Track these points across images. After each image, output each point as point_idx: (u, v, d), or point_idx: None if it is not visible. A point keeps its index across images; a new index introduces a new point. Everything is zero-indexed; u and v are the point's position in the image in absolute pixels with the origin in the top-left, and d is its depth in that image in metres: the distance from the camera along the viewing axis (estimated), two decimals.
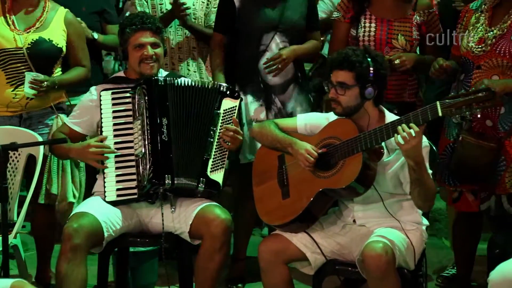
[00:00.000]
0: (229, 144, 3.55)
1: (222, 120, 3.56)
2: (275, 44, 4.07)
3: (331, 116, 3.44)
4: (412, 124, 3.06)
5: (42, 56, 3.89)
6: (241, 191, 4.23)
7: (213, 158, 3.52)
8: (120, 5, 5.63)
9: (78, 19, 4.28)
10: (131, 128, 3.55)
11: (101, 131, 3.57)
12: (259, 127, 3.57)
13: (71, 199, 4.00)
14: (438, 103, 3.09)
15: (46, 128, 3.95)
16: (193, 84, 3.60)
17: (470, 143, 3.61)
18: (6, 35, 3.86)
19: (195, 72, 4.40)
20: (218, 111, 3.56)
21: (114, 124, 3.56)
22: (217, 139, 3.54)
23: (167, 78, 3.58)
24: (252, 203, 3.52)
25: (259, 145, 3.68)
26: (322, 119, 3.47)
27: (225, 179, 3.59)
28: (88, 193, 4.02)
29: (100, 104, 3.57)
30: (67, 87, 4.02)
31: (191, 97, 3.56)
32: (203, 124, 3.54)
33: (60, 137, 3.56)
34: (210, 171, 3.51)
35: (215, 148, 3.53)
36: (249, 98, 4.12)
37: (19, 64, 3.87)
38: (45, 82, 3.82)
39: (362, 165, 3.17)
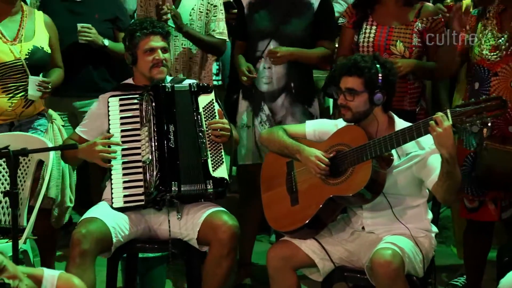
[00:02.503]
0: (220, 138, 3.55)
1: (205, 117, 3.56)
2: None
3: (340, 123, 3.44)
4: (441, 114, 3.06)
5: (39, 64, 3.92)
6: (245, 194, 4.25)
7: (211, 157, 3.52)
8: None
9: (89, 25, 4.33)
10: (139, 135, 3.56)
11: None
12: (267, 133, 3.58)
13: (68, 203, 4.02)
14: (448, 111, 3.09)
15: (36, 131, 3.95)
16: (180, 88, 3.62)
17: (496, 150, 3.57)
18: (2, 49, 3.85)
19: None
20: (199, 111, 3.56)
21: (122, 131, 3.57)
22: (207, 137, 3.54)
23: (175, 85, 3.59)
24: (257, 205, 3.53)
25: (244, 149, 3.69)
26: (331, 125, 3.47)
27: (229, 176, 3.60)
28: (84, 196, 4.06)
29: (108, 111, 3.59)
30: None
31: (181, 101, 3.57)
32: (193, 127, 3.54)
33: (74, 143, 3.56)
34: (213, 170, 3.51)
35: (209, 147, 3.53)
36: (245, 103, 4.18)
37: (18, 75, 3.88)
38: (50, 84, 3.85)
39: (371, 172, 3.17)
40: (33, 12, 4.01)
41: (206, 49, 4.40)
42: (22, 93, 3.88)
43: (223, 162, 3.54)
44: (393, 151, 3.25)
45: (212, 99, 3.60)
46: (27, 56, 3.88)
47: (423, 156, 3.24)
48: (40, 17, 4.02)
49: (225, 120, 3.58)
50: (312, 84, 4.34)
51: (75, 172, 4.11)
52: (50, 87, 3.86)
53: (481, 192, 3.72)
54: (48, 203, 3.96)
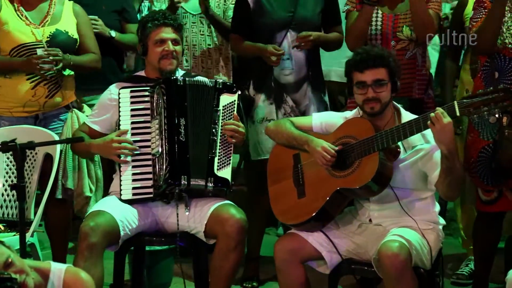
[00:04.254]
0: (232, 139, 3.54)
1: (222, 116, 3.55)
2: (288, 42, 4.08)
3: (347, 115, 3.44)
4: (438, 108, 3.06)
5: (61, 48, 3.88)
6: (253, 189, 4.24)
7: (218, 156, 3.51)
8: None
9: (95, 17, 4.33)
10: (149, 127, 3.55)
11: (119, 129, 3.57)
12: (274, 125, 3.57)
13: (88, 193, 4.02)
14: (455, 102, 3.09)
15: (60, 123, 3.97)
16: (196, 83, 3.59)
17: None
18: (24, 30, 3.87)
19: (209, 69, 4.42)
20: (218, 108, 3.55)
21: (132, 123, 3.56)
22: (220, 136, 3.53)
23: (186, 78, 3.58)
24: (265, 200, 3.52)
25: (270, 142, 3.67)
26: (338, 117, 3.47)
27: (235, 176, 3.59)
28: (106, 187, 4.06)
29: (119, 102, 3.58)
30: (79, 69, 4.02)
31: (198, 96, 3.56)
32: (207, 123, 3.53)
33: (79, 136, 3.56)
34: (217, 169, 3.50)
35: (219, 146, 3.52)
36: (262, 96, 4.14)
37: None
38: (59, 55, 3.81)
39: (378, 164, 3.17)
40: (62, 3, 4.01)
41: (226, 35, 4.38)
42: (46, 82, 3.89)
43: (229, 164, 3.53)
44: (400, 144, 3.24)
45: (234, 100, 3.58)
46: (48, 39, 3.88)
47: (428, 150, 3.23)
48: (69, 4, 4.03)
49: (240, 124, 3.57)
50: (322, 71, 4.34)
51: (99, 162, 4.10)
52: (60, 55, 3.81)
53: (500, 182, 3.70)
54: (70, 195, 3.98)
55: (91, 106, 4.43)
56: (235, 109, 3.59)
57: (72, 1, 4.09)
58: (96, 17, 4.35)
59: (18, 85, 3.88)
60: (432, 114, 3.07)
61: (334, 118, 3.47)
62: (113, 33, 4.42)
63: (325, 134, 3.42)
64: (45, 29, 3.89)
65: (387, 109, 3.32)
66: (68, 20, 3.97)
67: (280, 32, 4.08)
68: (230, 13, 4.37)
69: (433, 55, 5.78)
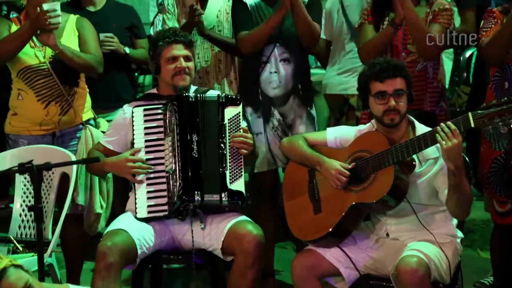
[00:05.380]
0: (242, 151, 3.53)
1: (229, 129, 3.55)
2: (275, 56, 4.09)
3: (361, 129, 3.43)
4: (449, 123, 3.06)
5: (64, 67, 3.92)
6: (255, 202, 4.21)
7: (230, 169, 3.51)
8: (151, 18, 5.72)
9: (111, 34, 4.38)
10: (162, 145, 3.57)
11: (133, 148, 3.59)
12: (288, 142, 3.57)
13: (99, 210, 4.04)
14: (470, 114, 3.08)
15: (77, 142, 4.01)
16: (206, 98, 3.60)
17: None
18: (28, 52, 3.92)
19: (219, 85, 4.44)
20: (224, 122, 3.55)
21: (146, 141, 3.58)
22: (229, 149, 3.54)
23: (198, 95, 3.59)
24: (269, 213, 3.49)
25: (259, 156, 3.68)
26: (352, 132, 3.46)
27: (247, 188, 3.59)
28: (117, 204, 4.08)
29: (132, 121, 3.60)
30: (66, 60, 3.89)
31: (208, 111, 3.56)
32: (216, 138, 3.54)
33: (94, 156, 3.58)
34: (230, 182, 3.50)
35: (229, 159, 3.53)
36: (249, 110, 4.15)
37: (45, 80, 3.93)
38: (57, 16, 3.74)
39: (393, 178, 3.16)
40: (67, 17, 4.02)
41: (229, 50, 4.42)
42: (57, 100, 3.94)
43: (241, 175, 3.53)
44: (415, 157, 3.23)
45: (239, 112, 3.59)
46: (51, 59, 3.92)
47: (442, 164, 3.21)
48: (72, 20, 4.05)
49: (249, 135, 3.58)
50: (311, 85, 4.35)
51: (111, 179, 4.12)
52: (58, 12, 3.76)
53: None
54: (77, 209, 4.00)
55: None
56: (241, 120, 3.59)
57: (77, 15, 4.12)
58: (111, 34, 4.40)
59: (31, 105, 3.94)
60: (447, 130, 3.06)
61: (348, 133, 3.46)
62: (127, 50, 4.47)
63: (340, 148, 3.42)
64: (47, 49, 3.92)
65: (402, 121, 3.31)
66: (69, 35, 3.99)
67: (268, 45, 4.08)
68: None
69: (447, 63, 5.76)
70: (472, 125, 3.06)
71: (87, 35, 4.03)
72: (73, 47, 3.96)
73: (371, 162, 3.24)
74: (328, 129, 3.58)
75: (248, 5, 4.10)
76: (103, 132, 4.03)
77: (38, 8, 3.72)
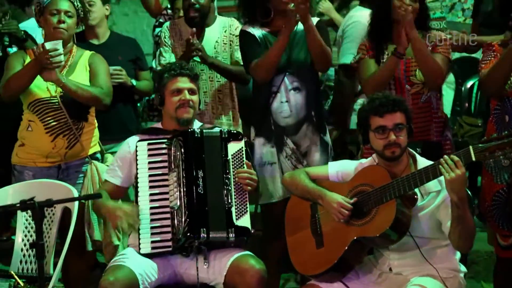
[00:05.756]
0: (247, 187, 3.54)
1: (233, 165, 3.55)
2: (285, 86, 4.09)
3: (363, 163, 3.43)
4: (452, 155, 3.06)
5: (75, 102, 3.96)
6: (268, 234, 4.20)
7: (235, 205, 3.51)
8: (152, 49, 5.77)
9: (119, 67, 4.43)
10: (167, 180, 3.56)
11: (137, 182, 3.58)
12: (290, 176, 3.58)
13: (116, 242, 4.05)
14: (471, 147, 3.09)
15: (83, 175, 4.04)
16: (212, 134, 3.60)
17: None
18: (40, 85, 3.96)
19: (220, 115, 4.44)
20: (228, 158, 3.55)
21: (150, 175, 3.57)
22: (234, 185, 3.53)
23: (204, 130, 3.59)
24: (279, 244, 3.48)
25: (275, 186, 3.70)
26: (353, 166, 3.47)
27: (253, 223, 3.58)
28: None
29: (136, 155, 3.59)
30: (70, 93, 3.92)
31: (213, 147, 3.56)
32: (220, 173, 3.53)
33: (98, 193, 3.59)
34: (236, 219, 3.49)
35: (234, 195, 3.52)
36: (261, 140, 4.14)
37: (54, 113, 3.98)
38: (59, 55, 3.77)
39: (395, 212, 3.15)
40: (81, 53, 4.08)
41: (232, 78, 4.46)
42: (65, 134, 3.97)
43: (247, 211, 3.53)
44: (416, 191, 3.23)
45: (242, 147, 3.59)
46: (62, 93, 3.96)
47: (444, 198, 3.22)
48: (87, 55, 4.09)
49: (253, 171, 3.58)
50: (325, 112, 4.35)
51: None
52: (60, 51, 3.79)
53: None
54: (99, 246, 4.04)
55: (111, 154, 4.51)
56: (244, 156, 3.59)
57: (93, 52, 4.16)
58: (120, 67, 4.45)
59: (39, 137, 3.97)
60: (450, 162, 3.06)
61: (350, 167, 3.47)
62: (134, 82, 4.53)
63: (342, 182, 3.41)
64: None
65: (403, 155, 3.31)
66: (81, 71, 4.03)
67: (278, 75, 4.08)
68: (237, 54, 4.42)
69: (448, 93, 5.79)
70: (473, 158, 3.06)
71: (97, 69, 4.06)
72: (83, 81, 3.99)
73: (373, 196, 3.24)
74: (330, 163, 3.59)
75: (257, 37, 4.12)
76: None
77: (41, 47, 3.77)
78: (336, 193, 3.33)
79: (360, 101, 4.77)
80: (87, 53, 4.12)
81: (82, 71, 4.04)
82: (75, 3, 4.00)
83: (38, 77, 3.93)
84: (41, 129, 3.97)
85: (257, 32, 4.12)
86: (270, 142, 4.14)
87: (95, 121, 4.17)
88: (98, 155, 4.18)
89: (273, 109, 4.10)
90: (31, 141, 4.01)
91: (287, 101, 4.09)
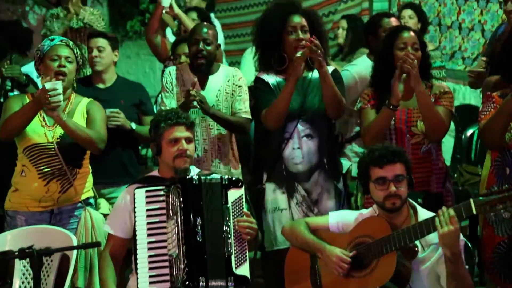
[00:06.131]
0: (247, 236, 3.51)
1: (233, 212, 3.53)
2: (298, 132, 4.10)
3: (363, 213, 3.43)
4: (450, 209, 3.08)
5: (71, 148, 3.97)
6: (272, 283, 4.18)
7: (235, 254, 3.48)
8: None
9: (117, 110, 4.43)
10: (165, 227, 3.53)
11: (135, 230, 3.56)
12: (289, 226, 3.57)
13: None
14: (472, 200, 3.08)
15: (75, 218, 4.01)
16: (210, 181, 3.58)
17: None
18: (38, 130, 3.96)
19: (219, 163, 4.46)
20: (228, 205, 3.53)
21: (148, 223, 3.54)
22: (233, 233, 3.51)
23: (202, 177, 3.59)
24: None
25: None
26: (354, 216, 3.46)
27: (251, 268, 3.56)
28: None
29: (134, 203, 3.57)
30: (69, 132, 3.91)
31: (212, 194, 3.54)
32: (220, 221, 3.50)
33: (97, 242, 3.58)
34: (236, 267, 3.46)
35: (234, 243, 3.50)
36: (272, 185, 4.14)
37: (49, 159, 3.97)
38: (58, 95, 3.76)
39: (396, 264, 3.14)
40: (79, 100, 4.09)
41: (232, 129, 4.45)
42: (58, 179, 3.96)
43: (246, 260, 3.50)
44: (417, 242, 3.21)
45: (242, 195, 3.57)
46: (59, 140, 3.96)
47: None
48: (84, 102, 4.10)
49: (253, 220, 3.57)
50: (338, 159, 4.34)
51: None
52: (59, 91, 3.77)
53: None
54: None
55: (111, 199, 4.50)
56: (244, 203, 3.58)
57: (91, 99, 4.17)
58: (117, 110, 4.45)
59: (33, 182, 3.96)
60: (446, 215, 3.06)
61: (350, 217, 3.46)
62: (134, 125, 4.51)
63: (342, 233, 3.40)
64: (56, 130, 3.97)
65: (404, 206, 3.30)
66: (79, 118, 4.04)
67: (291, 122, 4.10)
68: (238, 105, 4.42)
69: (448, 141, 5.81)
70: (474, 212, 3.07)
71: (94, 115, 4.07)
72: None
73: (373, 248, 3.23)
74: (330, 213, 3.57)
75: (270, 84, 4.15)
76: (103, 214, 4.03)
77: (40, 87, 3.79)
78: (335, 246, 3.32)
79: (350, 147, 4.79)
80: (85, 100, 4.13)
81: (80, 117, 4.05)
82: (75, 50, 4.03)
83: (36, 122, 3.95)
84: (34, 174, 3.96)
85: (271, 79, 4.16)
86: (282, 188, 4.14)
87: (89, 167, 4.16)
88: (91, 200, 4.16)
89: (285, 155, 4.11)
90: (24, 186, 4.00)
91: (299, 148, 4.11)
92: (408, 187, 3.31)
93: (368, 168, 3.32)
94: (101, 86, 4.64)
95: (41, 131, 3.97)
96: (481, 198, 3.09)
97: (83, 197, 4.08)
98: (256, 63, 4.29)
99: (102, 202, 4.20)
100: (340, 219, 3.46)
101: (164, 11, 5.59)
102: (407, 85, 3.86)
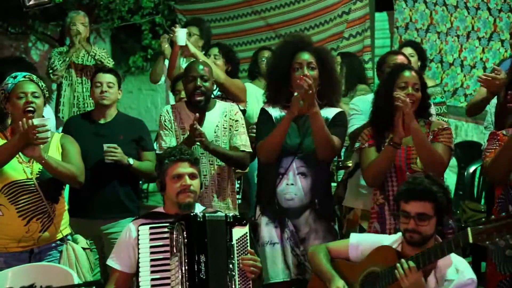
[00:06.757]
0: (251, 274, 3.50)
1: (237, 250, 3.52)
2: (293, 169, 4.10)
3: (394, 238, 3.45)
4: (410, 262, 3.16)
5: (50, 183, 3.92)
6: None
7: None
8: None
9: (115, 145, 4.43)
10: (168, 264, 3.50)
11: (138, 267, 3.53)
12: (312, 251, 3.63)
13: None
14: (469, 229, 3.10)
15: (56, 255, 3.96)
16: (214, 218, 3.58)
17: None
18: (16, 167, 3.89)
19: (217, 198, 4.46)
20: (232, 243, 3.52)
21: (152, 260, 3.51)
22: (237, 271, 3.49)
23: (206, 214, 3.57)
24: None
25: (275, 266, 3.79)
26: (377, 240, 3.49)
27: None
28: None
29: (138, 239, 3.55)
30: (51, 170, 3.87)
31: (216, 231, 3.53)
32: (224, 258, 3.49)
33: (98, 280, 3.54)
34: None
35: (238, 281, 3.48)
36: (266, 219, 4.14)
37: (29, 195, 3.89)
38: (47, 131, 3.73)
39: None
40: (52, 134, 4.00)
41: (232, 163, 4.45)
42: (39, 217, 3.89)
43: None
44: (432, 277, 3.23)
45: (246, 233, 3.57)
46: (38, 175, 3.90)
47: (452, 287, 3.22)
48: (57, 137, 4.07)
49: (257, 258, 3.55)
50: (333, 199, 4.33)
51: None
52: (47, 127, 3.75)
53: None
54: None
55: (109, 234, 4.49)
56: (248, 242, 3.57)
57: (61, 133, 4.17)
58: (115, 145, 4.44)
59: (11, 221, 3.86)
60: (405, 266, 3.17)
61: (372, 241, 3.48)
62: (131, 161, 4.49)
63: (356, 263, 3.45)
64: (34, 165, 3.91)
65: (430, 241, 3.30)
66: (53, 152, 3.98)
67: (287, 157, 4.10)
68: (236, 139, 4.44)
69: (450, 176, 5.80)
70: (471, 240, 3.07)
71: (69, 149, 4.03)
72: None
73: (382, 277, 3.27)
74: (352, 234, 3.61)
75: (273, 117, 4.16)
76: (83, 248, 4.02)
77: (29, 123, 3.72)
78: (341, 280, 3.37)
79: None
80: (57, 135, 4.11)
81: (55, 152, 4.00)
82: (39, 84, 3.97)
83: (13, 159, 3.87)
84: (13, 213, 3.86)
85: (275, 112, 4.17)
86: (274, 222, 4.13)
87: (65, 203, 4.12)
88: (69, 237, 4.09)
89: (279, 190, 4.10)
90: (2, 226, 3.87)
91: (293, 184, 4.10)
92: (437, 225, 3.30)
93: (399, 199, 3.37)
94: (101, 121, 4.64)
95: (19, 167, 3.89)
96: (479, 227, 3.10)
97: (63, 234, 4.01)
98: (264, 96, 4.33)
99: (79, 238, 4.13)
100: (362, 240, 3.51)
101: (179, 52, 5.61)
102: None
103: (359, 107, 4.58)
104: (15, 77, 3.95)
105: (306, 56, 4.11)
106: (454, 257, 3.30)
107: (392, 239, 3.44)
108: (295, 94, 3.94)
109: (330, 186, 4.30)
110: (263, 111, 4.23)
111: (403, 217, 3.29)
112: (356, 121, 4.51)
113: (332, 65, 4.18)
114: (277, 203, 4.12)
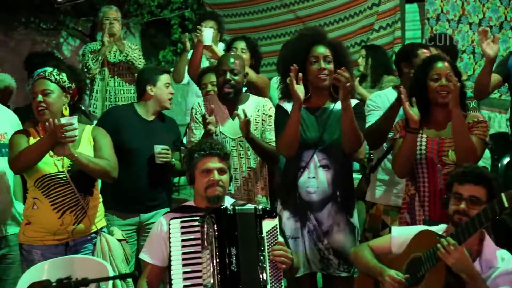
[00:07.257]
0: (282, 265, 3.52)
1: (267, 242, 3.53)
2: (314, 162, 4.08)
3: (441, 228, 3.47)
4: (448, 238, 3.16)
5: (82, 176, 3.96)
6: None
7: (271, 283, 3.47)
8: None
9: (167, 147, 4.54)
10: (200, 257, 3.53)
11: (170, 261, 3.56)
12: (354, 251, 3.67)
13: None
14: (503, 194, 3.11)
15: (90, 250, 4.02)
16: (244, 211, 3.60)
17: None
18: (47, 161, 3.94)
19: (251, 192, 4.49)
20: (262, 235, 3.54)
21: (183, 253, 3.54)
22: (268, 262, 3.51)
23: (236, 207, 3.59)
24: None
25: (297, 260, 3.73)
26: (417, 230, 3.49)
27: None
28: None
29: (169, 234, 3.59)
30: (82, 167, 3.91)
31: (246, 224, 3.55)
32: (255, 251, 3.51)
33: (133, 272, 3.58)
34: None
35: (270, 273, 3.49)
36: (287, 213, 4.13)
37: (62, 188, 3.94)
38: (74, 130, 3.77)
39: (445, 272, 3.20)
40: (83, 128, 4.07)
41: (265, 156, 4.46)
42: (72, 209, 3.95)
43: None
44: (476, 263, 3.26)
45: (276, 225, 3.58)
46: (69, 168, 3.95)
47: (495, 276, 3.24)
48: (88, 129, 4.11)
49: (287, 249, 3.56)
50: (354, 193, 4.32)
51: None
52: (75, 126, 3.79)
53: None
54: None
55: (147, 225, 4.58)
56: (278, 233, 3.58)
57: (93, 126, 4.22)
58: (167, 147, 4.54)
59: (46, 214, 3.93)
60: (442, 250, 3.18)
61: (413, 231, 3.50)
62: (174, 161, 4.59)
63: (400, 253, 3.48)
64: (65, 158, 3.95)
65: None
66: (85, 146, 4.03)
67: (308, 151, 4.08)
68: (267, 134, 4.46)
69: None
70: (506, 204, 3.09)
71: (101, 142, 4.07)
72: (88, 154, 3.99)
73: (425, 261, 3.30)
74: (393, 228, 3.67)
75: (289, 112, 4.15)
76: (118, 240, 4.06)
77: (56, 122, 3.76)
78: (391, 270, 3.41)
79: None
80: (89, 127, 4.14)
81: (87, 145, 4.04)
82: (52, 78, 3.95)
83: None
84: (47, 206, 3.93)
85: (291, 107, 4.16)
86: (295, 216, 4.12)
87: (100, 196, 4.16)
88: (105, 229, 4.14)
89: (300, 184, 4.10)
90: (37, 219, 3.95)
91: (315, 177, 4.09)
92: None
93: (453, 182, 3.39)
94: (149, 118, 4.69)
95: (50, 161, 3.95)
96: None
97: (97, 227, 4.06)
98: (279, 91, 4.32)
99: (115, 230, 4.19)
100: (404, 232, 3.54)
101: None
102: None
103: (377, 103, 4.56)
104: (34, 76, 3.99)
105: (322, 50, 4.08)
106: (497, 249, 3.34)
107: (434, 230, 3.43)
108: (287, 80, 3.93)
109: (352, 178, 4.28)
110: (278, 107, 4.21)
111: (454, 199, 3.32)
112: (373, 117, 4.48)
113: (347, 58, 4.15)
114: (299, 196, 4.11)
